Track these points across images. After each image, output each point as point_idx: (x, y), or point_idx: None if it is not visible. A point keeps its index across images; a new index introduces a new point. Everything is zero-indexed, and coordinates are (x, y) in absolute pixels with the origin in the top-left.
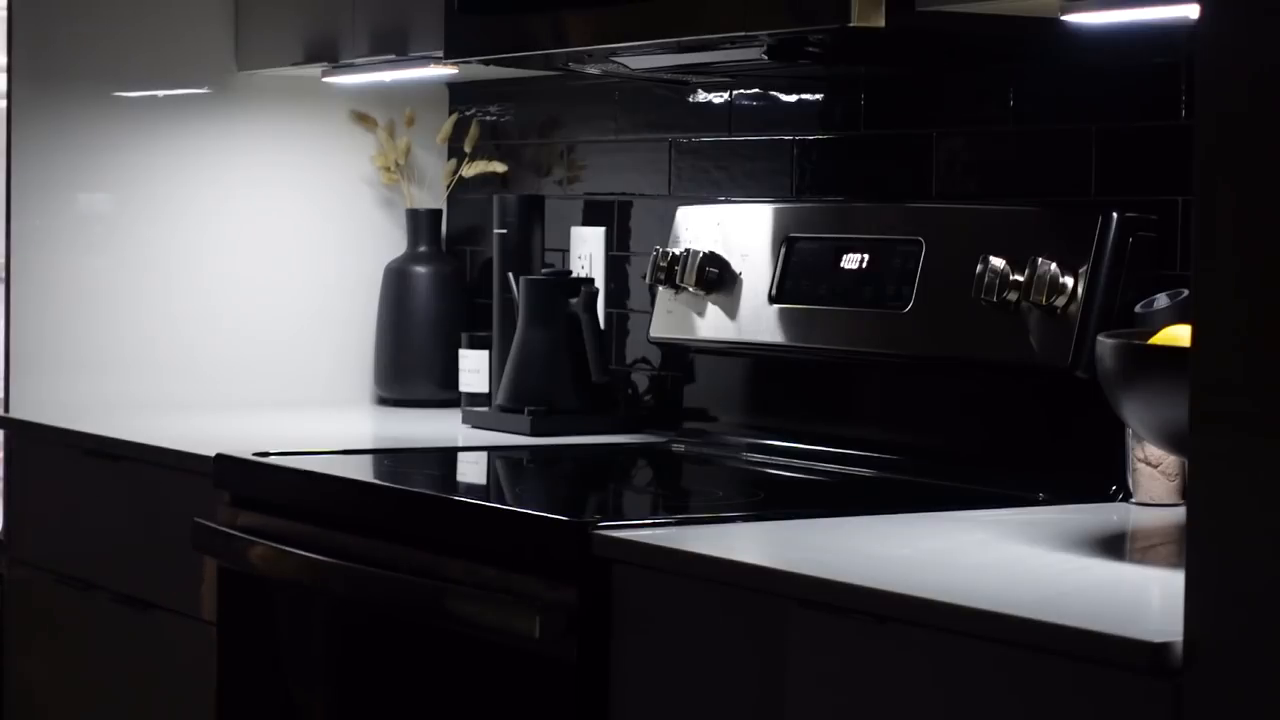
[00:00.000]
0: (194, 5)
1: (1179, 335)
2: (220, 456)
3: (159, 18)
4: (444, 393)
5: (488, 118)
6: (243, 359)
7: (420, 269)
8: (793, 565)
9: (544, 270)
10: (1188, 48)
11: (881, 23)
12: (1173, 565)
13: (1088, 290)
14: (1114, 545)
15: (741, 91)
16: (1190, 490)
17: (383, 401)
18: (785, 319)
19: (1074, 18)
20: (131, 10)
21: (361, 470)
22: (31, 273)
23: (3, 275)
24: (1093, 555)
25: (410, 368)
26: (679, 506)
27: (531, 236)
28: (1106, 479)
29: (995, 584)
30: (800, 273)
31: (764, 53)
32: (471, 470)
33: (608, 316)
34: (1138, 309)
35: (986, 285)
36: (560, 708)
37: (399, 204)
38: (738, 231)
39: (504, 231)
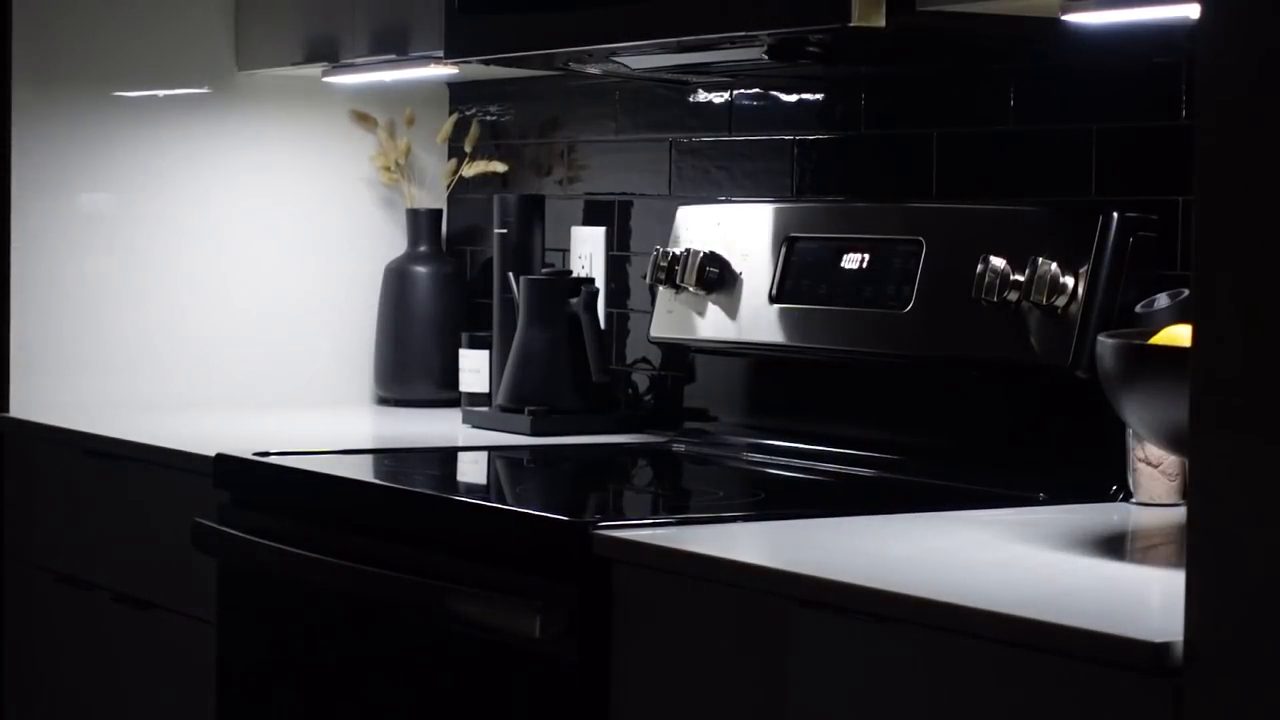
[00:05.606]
0: (194, 5)
1: (1179, 335)
2: (220, 456)
3: (159, 18)
4: (444, 393)
5: (488, 118)
6: (243, 358)
7: (420, 269)
8: (793, 565)
9: (544, 270)
10: (1188, 48)
11: (882, 23)
12: (1173, 565)
13: (1088, 290)
14: (1114, 545)
15: (741, 91)
16: (1190, 490)
17: (383, 401)
18: (785, 319)
19: (1074, 18)
20: (131, 10)
21: (361, 470)
22: (32, 273)
23: None
24: (1093, 555)
25: (410, 368)
26: (679, 506)
27: (532, 236)
28: (1106, 479)
29: (995, 584)
30: (800, 273)
31: (764, 53)
32: (472, 470)
33: (608, 316)
34: (1138, 309)
35: (986, 285)
36: (560, 708)
37: (399, 204)
38: (738, 231)
39: (504, 231)
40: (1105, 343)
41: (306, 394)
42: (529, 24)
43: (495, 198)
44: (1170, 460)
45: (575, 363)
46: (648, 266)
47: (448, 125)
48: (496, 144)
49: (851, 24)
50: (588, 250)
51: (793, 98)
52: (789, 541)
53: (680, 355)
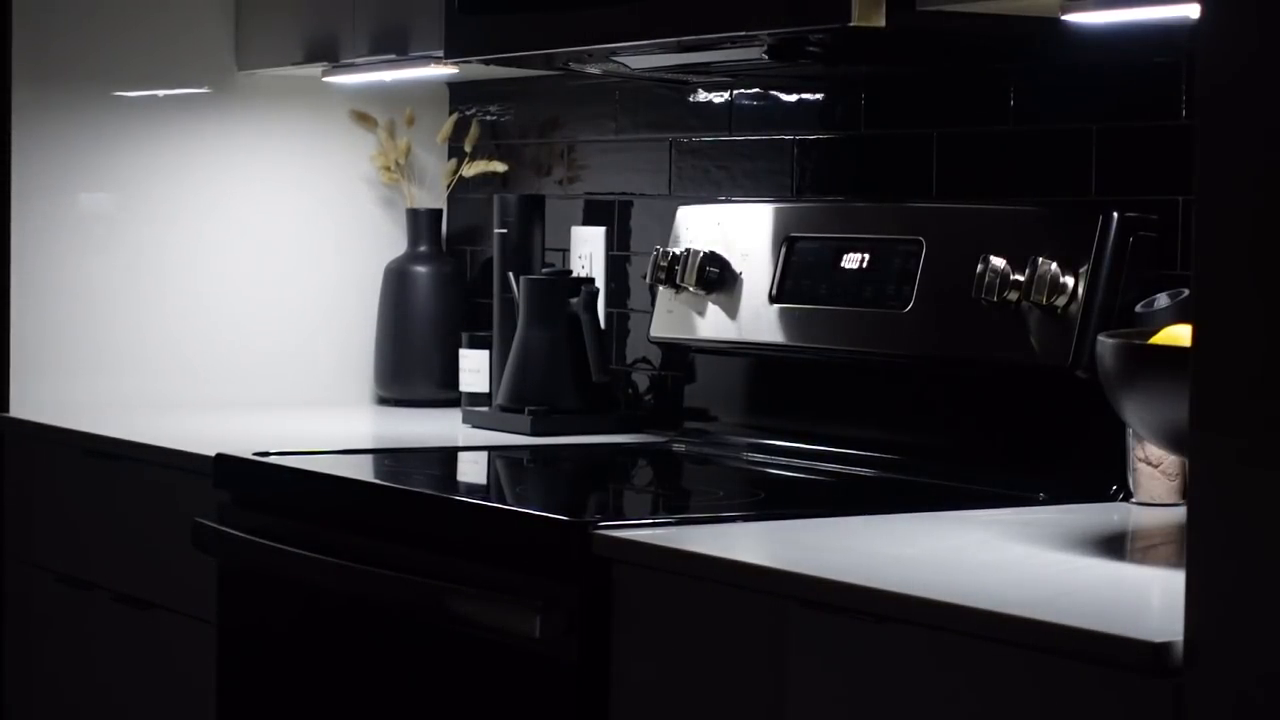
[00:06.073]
0: (194, 5)
1: (1179, 335)
2: (220, 456)
3: (159, 18)
4: (444, 393)
5: (488, 117)
6: (243, 359)
7: (420, 269)
8: (793, 565)
9: (544, 270)
10: (1188, 48)
11: (882, 22)
12: (1173, 565)
13: (1088, 290)
14: (1114, 545)
15: (741, 91)
16: (1190, 490)
17: (383, 401)
18: (785, 319)
19: (1074, 18)
20: (131, 10)
21: (361, 470)
22: (32, 273)
23: None
24: (1093, 555)
25: (410, 368)
26: (679, 506)
27: (532, 236)
28: (1106, 479)
29: (995, 584)
30: (800, 272)
31: (764, 52)
32: (472, 470)
33: (608, 316)
34: (1138, 309)
35: (987, 285)
36: (560, 708)
37: (399, 204)
38: (738, 231)
39: (504, 231)
40: (1105, 343)
41: (306, 394)
42: (529, 24)
43: (495, 198)
44: (1170, 460)
45: (575, 363)
46: (648, 266)
47: (448, 125)
48: (496, 144)
49: (851, 24)
50: (588, 250)
51: (793, 98)
52: (789, 541)
53: (680, 355)
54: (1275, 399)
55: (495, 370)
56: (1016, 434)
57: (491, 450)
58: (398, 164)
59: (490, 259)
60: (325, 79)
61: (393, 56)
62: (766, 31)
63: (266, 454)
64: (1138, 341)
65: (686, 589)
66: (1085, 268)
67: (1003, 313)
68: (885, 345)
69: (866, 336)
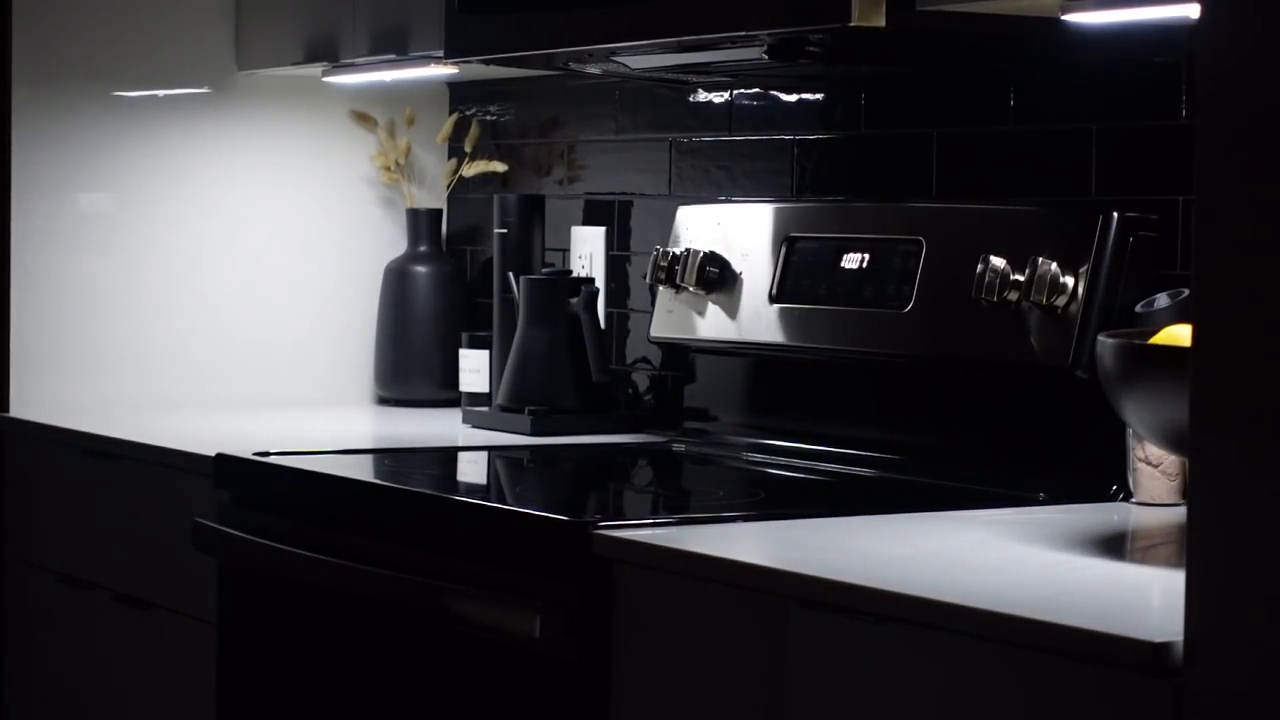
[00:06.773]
0: (194, 5)
1: (1179, 335)
2: (220, 456)
3: (159, 18)
4: (444, 393)
5: (488, 117)
6: (243, 359)
7: (420, 269)
8: (793, 565)
9: (544, 270)
10: (1188, 47)
11: (882, 22)
12: (1173, 565)
13: (1088, 290)
14: (1114, 545)
15: (741, 91)
16: (1190, 490)
17: (383, 401)
18: (785, 319)
19: (1074, 18)
20: (131, 10)
21: (361, 470)
22: (31, 273)
23: None
24: (1093, 555)
25: (410, 368)
26: (679, 506)
27: (532, 236)
28: (1106, 479)
29: (995, 584)
30: (800, 272)
31: (764, 52)
32: (472, 470)
33: (608, 316)
34: (1138, 309)
35: (986, 285)
36: (560, 708)
37: (399, 204)
38: (738, 231)
39: (504, 231)
40: (1105, 343)
41: (306, 394)
42: (529, 24)
43: (495, 198)
44: (1170, 460)
45: (575, 363)
46: (648, 266)
47: (448, 125)
48: (496, 144)
49: (851, 24)
50: (588, 250)
51: (793, 98)
52: (789, 541)
53: (680, 355)
54: (1275, 399)
55: (495, 370)
56: (1016, 434)
57: (491, 450)
58: (398, 164)
59: (490, 259)
60: (325, 79)
61: (393, 56)
62: (766, 31)
63: (266, 454)
64: (1138, 341)
65: (686, 589)
66: (1085, 268)
67: (1003, 313)
68: (885, 345)
69: (866, 336)
